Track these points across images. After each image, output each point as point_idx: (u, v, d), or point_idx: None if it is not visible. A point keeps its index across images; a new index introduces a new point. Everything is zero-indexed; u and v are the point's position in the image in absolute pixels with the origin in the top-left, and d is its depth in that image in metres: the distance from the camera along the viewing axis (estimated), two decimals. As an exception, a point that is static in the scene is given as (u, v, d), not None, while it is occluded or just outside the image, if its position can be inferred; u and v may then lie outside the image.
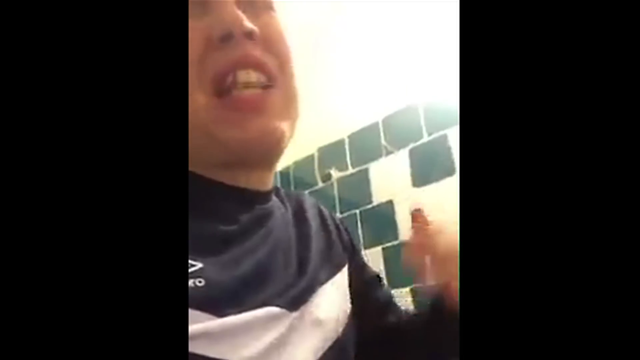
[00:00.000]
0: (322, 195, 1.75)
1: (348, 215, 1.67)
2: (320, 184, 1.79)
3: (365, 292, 0.53)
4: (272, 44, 0.40)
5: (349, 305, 0.48)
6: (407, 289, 1.48)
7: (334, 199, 1.73)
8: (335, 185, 1.74)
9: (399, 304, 0.58)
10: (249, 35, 0.37)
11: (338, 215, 1.68)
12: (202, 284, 0.32)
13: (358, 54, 1.73)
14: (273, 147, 0.40)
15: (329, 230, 0.52)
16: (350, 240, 0.56)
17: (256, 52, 0.38)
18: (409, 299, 1.48)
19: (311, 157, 1.83)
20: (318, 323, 0.40)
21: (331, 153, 1.77)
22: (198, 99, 0.37)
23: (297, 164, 1.88)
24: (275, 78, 0.40)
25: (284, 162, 1.89)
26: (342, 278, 0.49)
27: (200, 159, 0.39)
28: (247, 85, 0.38)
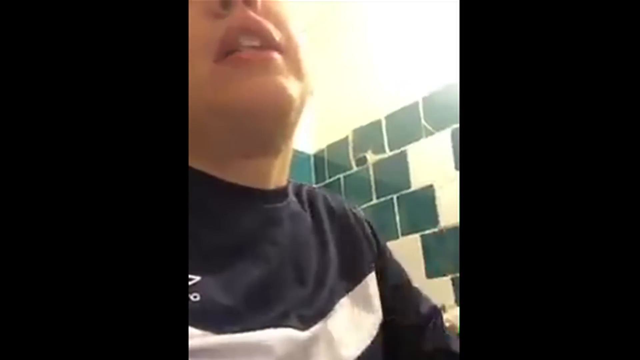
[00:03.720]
0: (357, 180, 1.71)
1: (385, 201, 1.62)
2: (355, 168, 1.73)
3: (395, 302, 0.48)
4: (274, 16, 0.38)
5: (379, 317, 0.44)
6: (448, 278, 1.42)
7: (369, 184, 1.68)
8: (371, 169, 1.69)
9: (438, 317, 0.51)
10: (248, 1, 0.36)
11: (374, 200, 1.63)
12: (197, 299, 0.30)
13: (397, 28, 1.66)
14: (280, 108, 0.36)
15: (355, 232, 0.48)
16: (378, 242, 0.51)
17: (258, 18, 0.36)
18: (450, 289, 1.42)
19: (345, 139, 1.79)
20: (334, 342, 0.37)
21: (367, 135, 1.72)
22: (201, 68, 0.35)
23: (331, 147, 1.84)
24: (280, 47, 0.37)
25: (316, 145, 1.85)
26: (366, 289, 0.45)
27: (207, 144, 0.37)
28: (251, 48, 0.36)
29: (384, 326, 0.44)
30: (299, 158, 1.81)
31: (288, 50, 0.38)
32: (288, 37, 0.38)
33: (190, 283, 0.30)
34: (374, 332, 0.42)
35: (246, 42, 0.35)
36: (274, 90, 0.36)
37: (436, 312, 0.50)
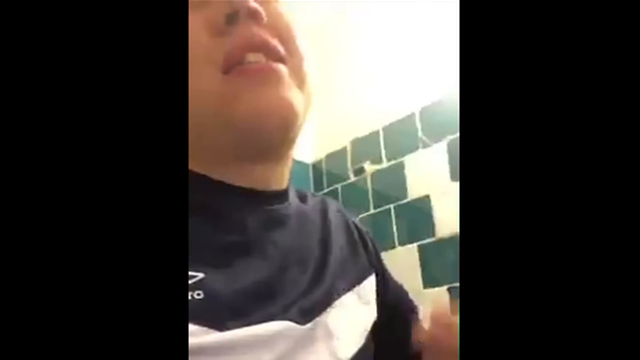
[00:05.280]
0: (355, 190, 1.71)
1: (382, 211, 1.62)
2: (353, 178, 1.74)
3: (389, 310, 0.49)
4: (278, 30, 0.38)
5: (373, 319, 0.45)
6: (445, 288, 1.42)
7: (367, 194, 1.68)
8: (368, 179, 1.69)
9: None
10: (254, 15, 0.36)
11: (371, 210, 1.64)
12: (201, 296, 0.30)
13: (394, 40, 1.68)
14: (285, 121, 0.37)
15: (353, 238, 0.50)
16: (376, 250, 0.52)
17: (263, 34, 0.37)
18: (447, 299, 1.42)
19: (344, 149, 1.79)
20: (332, 337, 0.38)
21: (365, 145, 1.72)
22: (206, 82, 0.35)
23: (329, 157, 1.84)
24: (284, 60, 0.38)
25: (315, 155, 1.86)
26: (364, 290, 0.46)
27: (210, 150, 0.38)
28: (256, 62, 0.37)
29: (375, 325, 0.45)
30: (298, 167, 1.81)
31: (292, 62, 0.38)
32: (292, 50, 0.39)
33: (193, 280, 0.31)
34: (368, 330, 0.44)
35: (251, 58, 0.36)
36: (280, 105, 0.36)
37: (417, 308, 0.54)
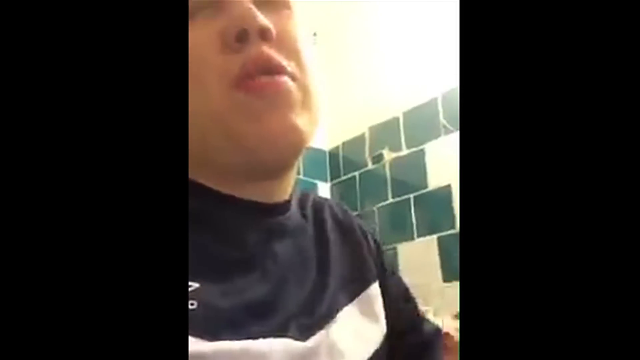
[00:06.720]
0: (373, 178, 1.68)
1: (401, 201, 1.59)
2: (371, 166, 1.69)
3: (396, 320, 0.47)
4: (288, 44, 0.39)
5: (384, 329, 0.44)
6: (465, 283, 1.37)
7: (386, 182, 1.64)
8: (387, 167, 1.65)
9: (439, 334, 0.51)
10: (264, 33, 0.36)
11: (390, 200, 1.59)
12: (194, 306, 0.30)
13: (416, 21, 1.62)
14: (292, 146, 0.37)
15: (360, 245, 0.49)
16: (380, 253, 0.51)
17: (276, 55, 0.37)
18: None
19: (362, 136, 1.75)
20: (334, 353, 0.38)
21: (384, 132, 1.69)
22: (215, 97, 0.36)
23: (347, 144, 1.81)
24: (294, 77, 0.38)
25: (332, 142, 1.83)
26: (369, 298, 0.45)
27: (215, 165, 0.38)
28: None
29: (388, 340, 0.44)
30: (314, 154, 1.78)
31: (301, 83, 0.38)
32: (301, 67, 0.39)
33: (189, 290, 0.30)
34: (378, 343, 0.42)
35: (264, 80, 0.36)
36: (287, 131, 0.36)
37: (439, 334, 0.51)
